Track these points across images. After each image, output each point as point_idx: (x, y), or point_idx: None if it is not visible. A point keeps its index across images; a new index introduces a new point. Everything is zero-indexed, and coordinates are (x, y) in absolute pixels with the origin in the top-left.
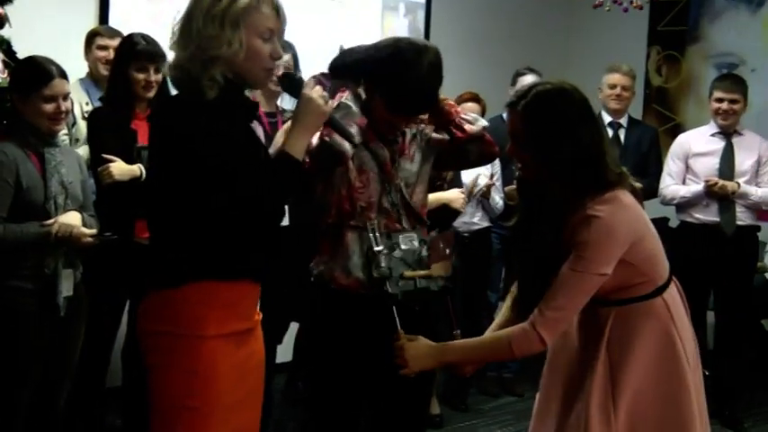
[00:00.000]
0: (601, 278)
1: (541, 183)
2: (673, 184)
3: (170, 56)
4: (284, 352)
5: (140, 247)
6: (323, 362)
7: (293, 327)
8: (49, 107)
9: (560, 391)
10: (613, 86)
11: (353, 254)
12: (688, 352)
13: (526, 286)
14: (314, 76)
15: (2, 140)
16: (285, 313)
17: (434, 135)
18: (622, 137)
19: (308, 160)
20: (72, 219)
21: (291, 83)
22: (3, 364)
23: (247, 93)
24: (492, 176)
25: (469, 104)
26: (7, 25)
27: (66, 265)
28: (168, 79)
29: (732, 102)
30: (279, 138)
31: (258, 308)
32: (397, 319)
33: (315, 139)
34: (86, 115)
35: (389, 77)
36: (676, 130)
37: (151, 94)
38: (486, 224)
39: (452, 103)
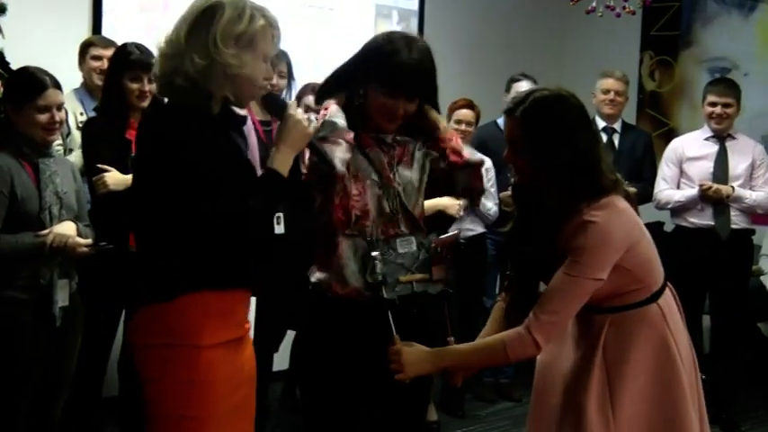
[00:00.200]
0: (596, 283)
1: (538, 188)
2: (667, 189)
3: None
4: (281, 360)
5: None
6: (320, 369)
7: (290, 335)
8: (43, 117)
9: (556, 398)
10: (607, 92)
11: (349, 262)
12: (684, 357)
13: (520, 291)
14: (307, 85)
15: None
16: (281, 321)
17: (434, 153)
18: (616, 142)
19: (305, 171)
20: (67, 229)
21: (275, 104)
22: (1, 375)
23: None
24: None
25: (464, 111)
26: (1, 36)
27: (62, 276)
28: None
29: (725, 106)
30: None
31: (250, 316)
32: (393, 325)
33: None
34: (81, 125)
35: (384, 59)
36: (670, 134)
37: (145, 103)
38: (481, 230)
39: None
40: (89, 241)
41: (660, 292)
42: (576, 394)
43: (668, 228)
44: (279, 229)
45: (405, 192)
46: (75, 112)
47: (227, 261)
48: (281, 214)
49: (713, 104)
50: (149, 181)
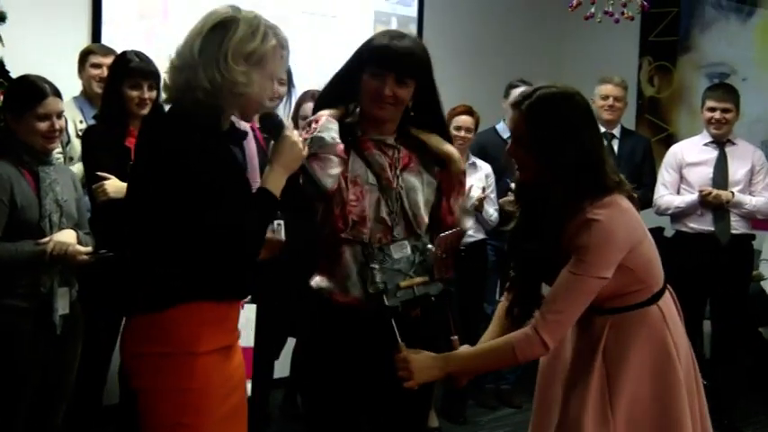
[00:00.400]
0: (601, 282)
1: (541, 185)
2: (667, 195)
3: (169, 69)
4: (282, 367)
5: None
6: (321, 377)
7: (290, 342)
8: (43, 125)
9: (557, 401)
10: (606, 97)
11: (351, 272)
12: (682, 359)
13: (523, 290)
14: (306, 92)
15: None
16: (282, 329)
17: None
18: (615, 147)
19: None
20: (67, 237)
21: (272, 124)
22: (1, 383)
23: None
24: (484, 189)
25: (463, 117)
26: (0, 44)
27: (62, 284)
28: (161, 96)
29: (724, 111)
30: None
31: (252, 324)
32: (397, 332)
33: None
34: (80, 133)
35: (372, 44)
36: (669, 139)
37: (145, 111)
38: (481, 236)
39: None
40: (89, 249)
41: (660, 294)
42: (577, 396)
43: (668, 233)
44: (280, 236)
45: (408, 197)
46: (74, 120)
47: (223, 272)
48: (281, 222)
49: (712, 110)
50: (147, 189)
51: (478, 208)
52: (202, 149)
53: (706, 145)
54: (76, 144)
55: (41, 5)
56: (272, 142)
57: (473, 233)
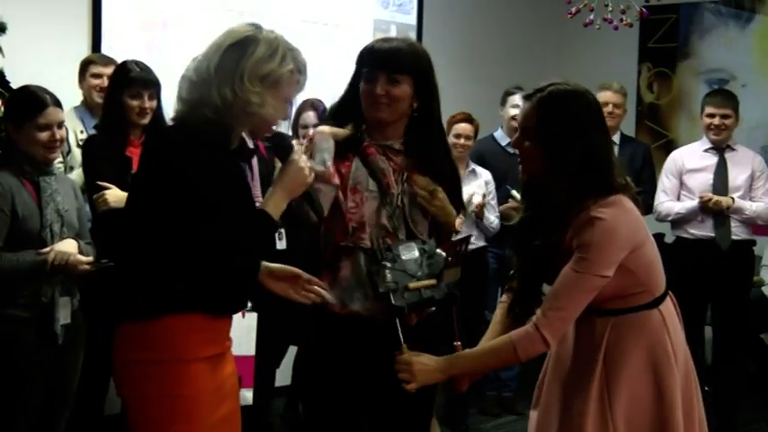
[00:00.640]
0: (602, 280)
1: (545, 181)
2: (667, 201)
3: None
4: (283, 376)
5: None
6: (321, 385)
7: (291, 350)
8: (44, 135)
9: (558, 403)
10: (605, 104)
11: (351, 285)
12: (680, 365)
13: (525, 287)
14: (306, 101)
15: None
16: (283, 337)
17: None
18: (615, 154)
19: None
20: (68, 246)
21: (281, 145)
22: (2, 394)
23: None
24: (484, 196)
25: (463, 125)
26: (1, 55)
27: (64, 293)
28: (161, 105)
29: (724, 117)
30: None
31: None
32: (401, 333)
33: None
34: (81, 143)
35: (364, 48)
36: (669, 146)
37: (146, 120)
38: (481, 243)
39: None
40: (90, 259)
41: (662, 299)
42: (578, 398)
43: (669, 239)
44: (280, 245)
45: (410, 202)
46: (75, 130)
47: (216, 287)
48: (282, 230)
49: (711, 116)
50: (147, 200)
51: (479, 215)
52: (203, 165)
53: (706, 151)
54: (77, 154)
55: (42, 16)
56: (279, 165)
57: (474, 240)
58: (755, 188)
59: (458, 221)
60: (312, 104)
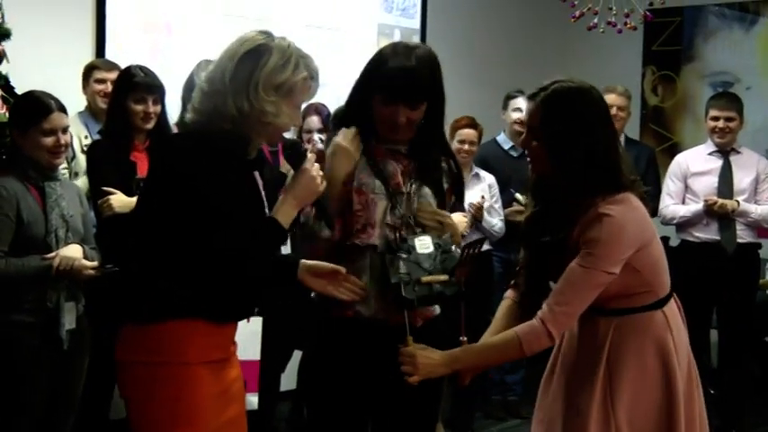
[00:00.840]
0: (608, 276)
1: (553, 180)
2: (672, 204)
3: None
4: (288, 380)
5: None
6: (326, 389)
7: (297, 354)
8: (49, 141)
9: (561, 403)
10: (609, 107)
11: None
12: (683, 367)
13: (532, 284)
14: (310, 105)
15: (2, 175)
16: (288, 342)
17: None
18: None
19: None
20: (73, 252)
21: (295, 153)
22: (5, 399)
23: None
24: (483, 198)
25: (467, 131)
26: (5, 61)
27: (69, 299)
28: (166, 110)
29: (728, 120)
30: None
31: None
32: (408, 326)
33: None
34: (85, 149)
35: (380, 68)
36: (674, 149)
37: (150, 125)
38: (486, 248)
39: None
40: (95, 264)
41: (666, 300)
42: (582, 398)
43: (674, 243)
44: (285, 249)
45: (419, 203)
46: (79, 136)
47: (223, 295)
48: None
49: (716, 119)
50: (157, 207)
51: (477, 216)
52: (215, 172)
53: (710, 154)
54: (82, 159)
55: (46, 22)
56: (291, 172)
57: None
58: (760, 191)
59: (463, 224)
60: (316, 109)
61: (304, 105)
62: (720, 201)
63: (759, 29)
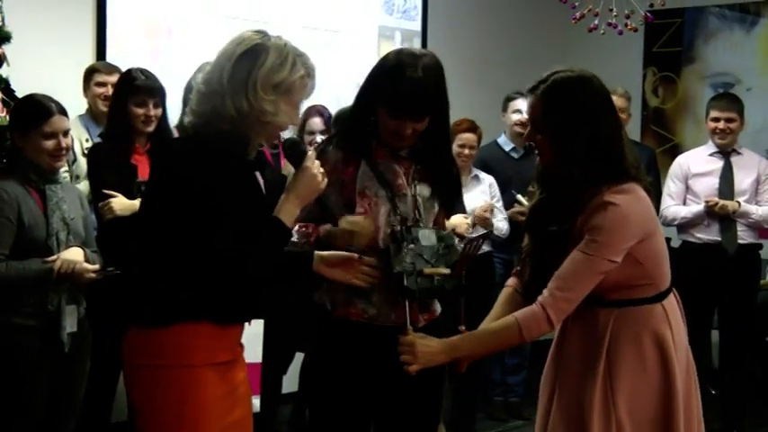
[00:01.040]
0: (610, 264)
1: (559, 171)
2: (673, 205)
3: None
4: (290, 382)
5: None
6: (328, 390)
7: (298, 356)
8: (50, 144)
9: (563, 394)
10: None
11: (357, 288)
12: (681, 361)
13: (537, 272)
14: (312, 107)
15: (3, 178)
16: (290, 344)
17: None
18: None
19: None
20: (74, 255)
21: (295, 151)
22: (6, 402)
23: None
24: (487, 206)
25: (467, 135)
26: (5, 64)
27: (70, 302)
28: (166, 113)
29: (728, 121)
30: None
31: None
32: (408, 315)
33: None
34: (86, 152)
35: (387, 80)
36: (675, 150)
37: (151, 128)
38: (487, 249)
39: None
40: (96, 267)
41: (666, 294)
42: (581, 389)
43: (675, 244)
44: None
45: (424, 207)
46: (80, 139)
47: (226, 297)
48: None
49: (716, 120)
50: (159, 209)
51: (485, 225)
52: (214, 173)
53: (711, 155)
54: (83, 163)
55: (46, 24)
56: (292, 171)
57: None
58: (761, 192)
59: (464, 226)
60: (318, 111)
61: (306, 106)
62: (721, 202)
63: (759, 30)
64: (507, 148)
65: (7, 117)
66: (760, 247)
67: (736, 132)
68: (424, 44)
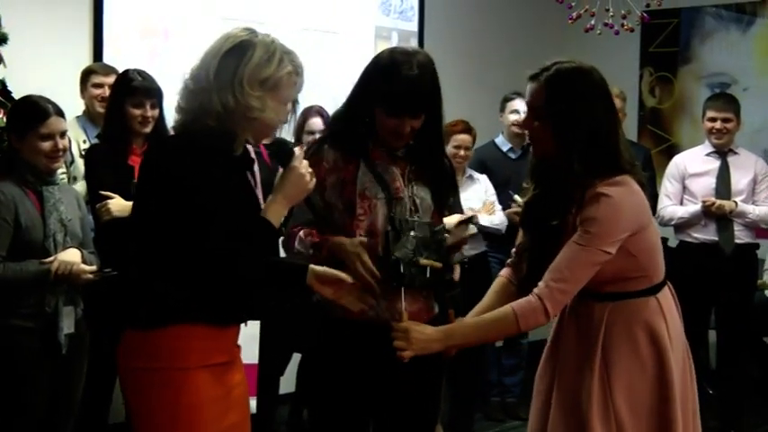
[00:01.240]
0: (604, 255)
1: (556, 161)
2: (670, 205)
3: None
4: (287, 383)
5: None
6: (326, 390)
7: (295, 357)
8: (47, 145)
9: (561, 387)
10: None
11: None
12: (677, 353)
13: (533, 265)
14: (311, 108)
15: (0, 180)
16: (287, 344)
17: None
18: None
19: None
20: (72, 256)
21: (282, 151)
22: (6, 402)
23: None
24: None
25: (462, 136)
26: (2, 65)
27: (67, 303)
28: (164, 114)
29: (725, 121)
30: None
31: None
32: (404, 302)
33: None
34: (84, 153)
35: (385, 79)
36: (671, 150)
37: (148, 129)
38: (482, 249)
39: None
40: (94, 268)
41: (660, 287)
42: (581, 385)
43: (672, 243)
44: (283, 253)
45: (421, 208)
46: (78, 140)
47: (219, 297)
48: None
49: (713, 120)
50: (150, 209)
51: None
52: (202, 170)
53: (708, 155)
54: (80, 164)
55: (43, 26)
56: (281, 170)
57: (474, 246)
58: (758, 191)
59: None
60: (318, 111)
61: (302, 107)
62: (718, 202)
63: (756, 30)
64: (505, 149)
65: (4, 118)
66: (757, 246)
67: (733, 132)
68: (420, 45)
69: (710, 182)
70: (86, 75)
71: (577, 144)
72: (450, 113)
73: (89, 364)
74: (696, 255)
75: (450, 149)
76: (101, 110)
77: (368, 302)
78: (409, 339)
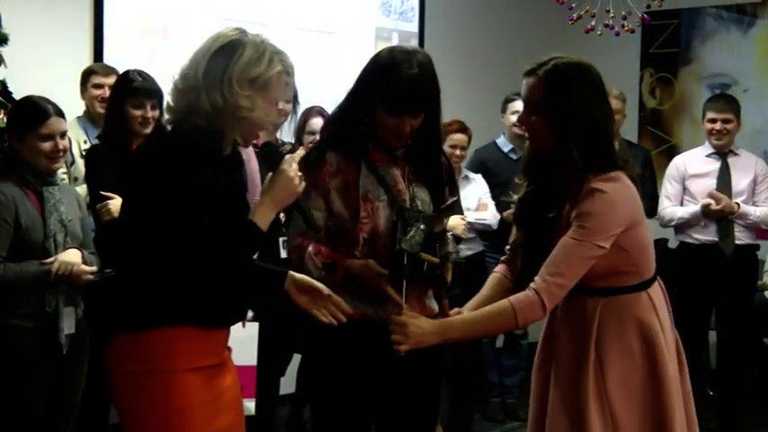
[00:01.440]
0: (599, 250)
1: (553, 156)
2: (670, 206)
3: (171, 92)
4: (287, 384)
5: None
6: (328, 390)
7: (296, 358)
8: (47, 145)
9: (557, 382)
10: None
11: (358, 290)
12: (669, 346)
13: (528, 262)
14: (312, 108)
15: (0, 180)
16: (287, 345)
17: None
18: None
19: None
20: (72, 256)
21: (272, 154)
22: (7, 402)
23: None
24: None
25: (458, 136)
26: (2, 65)
27: (68, 303)
28: (164, 114)
29: (725, 122)
30: None
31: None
32: (404, 295)
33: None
34: (84, 153)
35: (385, 78)
36: (672, 151)
37: (148, 129)
38: (479, 248)
39: None
40: (94, 268)
41: (650, 282)
42: (576, 381)
43: (672, 244)
44: (284, 253)
45: (421, 208)
46: (78, 141)
47: (208, 298)
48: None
49: (713, 121)
50: (140, 209)
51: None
52: (191, 168)
53: (708, 156)
54: (81, 164)
55: (43, 26)
56: (270, 173)
57: (471, 245)
58: (758, 192)
59: (461, 227)
60: (319, 112)
61: (303, 108)
62: (723, 201)
63: (756, 31)
64: (506, 149)
65: (4, 119)
66: (757, 247)
67: (733, 133)
68: (421, 45)
69: (711, 183)
70: (87, 75)
71: (576, 139)
72: (451, 114)
73: (89, 364)
74: (696, 255)
75: (445, 149)
76: (101, 110)
77: (340, 318)
78: (406, 333)
